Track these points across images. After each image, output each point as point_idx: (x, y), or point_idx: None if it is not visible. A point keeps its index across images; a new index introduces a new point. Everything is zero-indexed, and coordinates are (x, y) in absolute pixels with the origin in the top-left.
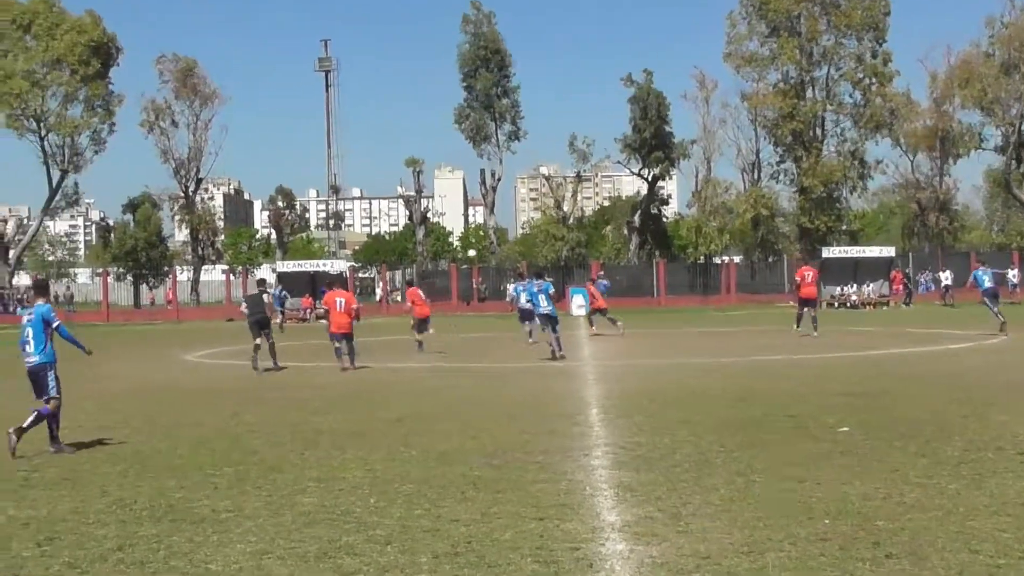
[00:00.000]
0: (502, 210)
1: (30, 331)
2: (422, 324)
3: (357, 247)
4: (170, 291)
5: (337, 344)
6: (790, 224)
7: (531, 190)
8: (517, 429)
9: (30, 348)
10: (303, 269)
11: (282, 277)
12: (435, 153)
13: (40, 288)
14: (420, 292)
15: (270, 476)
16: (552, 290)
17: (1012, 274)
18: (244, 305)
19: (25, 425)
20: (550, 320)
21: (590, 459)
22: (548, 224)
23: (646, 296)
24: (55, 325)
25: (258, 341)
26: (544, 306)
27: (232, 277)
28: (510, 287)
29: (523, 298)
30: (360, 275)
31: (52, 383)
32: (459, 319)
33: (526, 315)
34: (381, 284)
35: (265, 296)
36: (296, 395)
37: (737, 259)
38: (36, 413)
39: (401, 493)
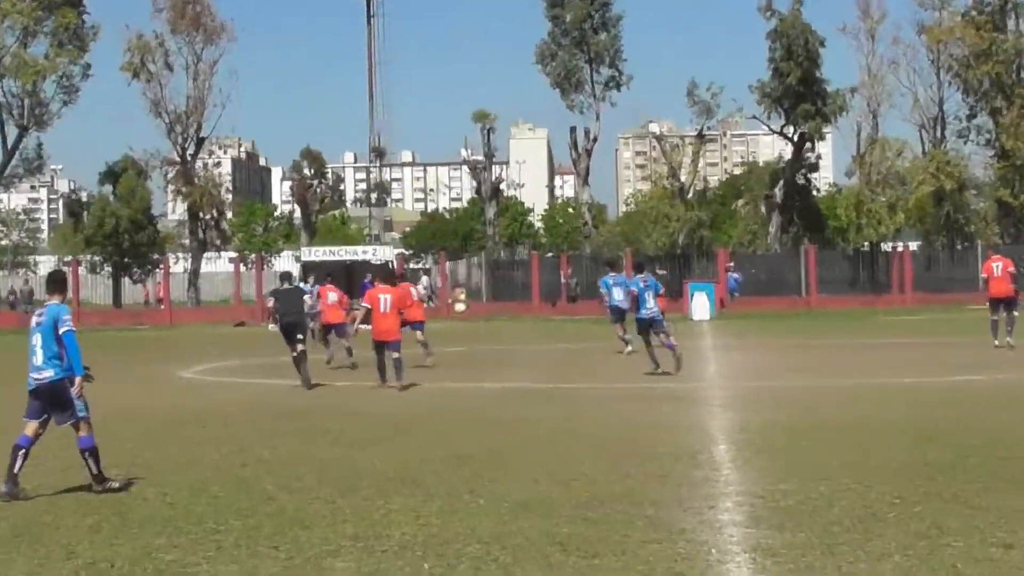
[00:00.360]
0: (599, 180)
1: (38, 338)
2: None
3: (408, 229)
4: (160, 286)
5: (396, 355)
6: (986, 199)
7: (637, 154)
8: (619, 472)
9: (37, 359)
10: (336, 258)
11: (309, 269)
12: (511, 107)
13: (56, 283)
14: (413, 289)
15: (291, 532)
16: (662, 288)
17: None
18: (273, 302)
19: (93, 471)
20: (652, 326)
21: (716, 512)
22: (660, 199)
23: (790, 294)
24: (62, 331)
25: (300, 348)
26: (650, 308)
27: (243, 268)
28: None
29: (617, 294)
30: (411, 265)
31: (76, 401)
32: (541, 324)
33: (619, 314)
34: (439, 277)
35: (307, 297)
36: (325, 424)
37: (914, 246)
38: (84, 450)
39: (465, 556)
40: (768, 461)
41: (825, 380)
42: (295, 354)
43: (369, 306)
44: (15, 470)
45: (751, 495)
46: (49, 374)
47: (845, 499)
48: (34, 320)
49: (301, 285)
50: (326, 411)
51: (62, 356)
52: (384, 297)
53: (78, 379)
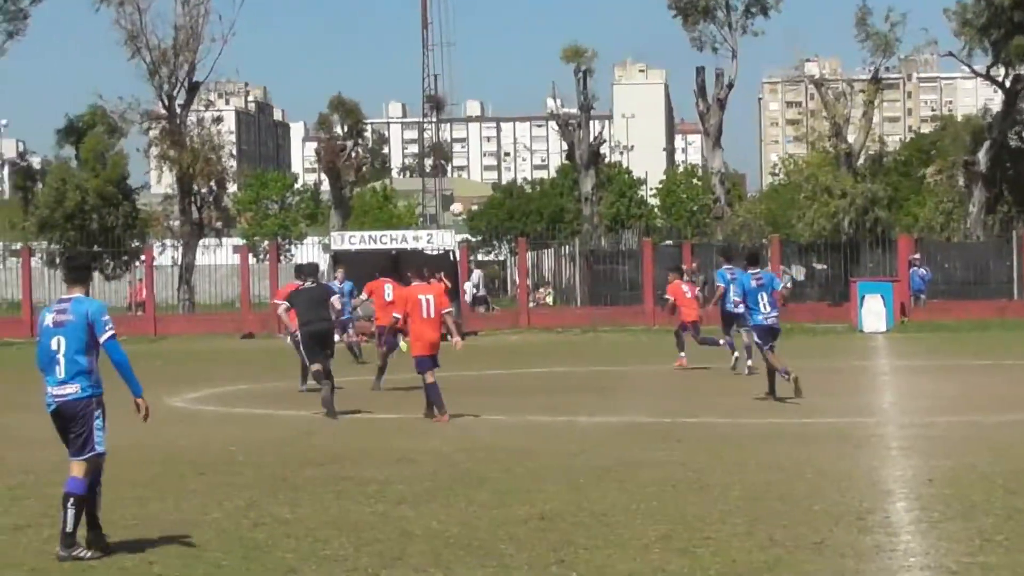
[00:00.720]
0: (736, 142)
1: (61, 342)
2: (384, 339)
3: (474, 207)
4: (141, 284)
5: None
6: None
7: (788, 105)
8: (760, 537)
9: (60, 371)
10: (378, 246)
11: (341, 261)
12: (616, 42)
13: (78, 270)
14: (389, 286)
15: None
16: (781, 286)
17: None
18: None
19: (68, 526)
20: (769, 335)
21: None
22: (819, 167)
23: (999, 296)
24: (104, 338)
25: (317, 367)
26: (764, 312)
27: (253, 259)
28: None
29: (732, 293)
30: (478, 256)
31: (99, 431)
32: (655, 336)
33: (730, 320)
34: (518, 272)
35: (335, 298)
36: (364, 471)
37: None
38: (70, 495)
39: None
40: (962, 524)
41: None
42: (315, 368)
43: (399, 315)
44: (96, 519)
45: (941, 570)
46: (73, 390)
47: None
48: (50, 318)
49: (332, 284)
50: (364, 453)
51: (91, 368)
52: (426, 298)
53: (142, 401)
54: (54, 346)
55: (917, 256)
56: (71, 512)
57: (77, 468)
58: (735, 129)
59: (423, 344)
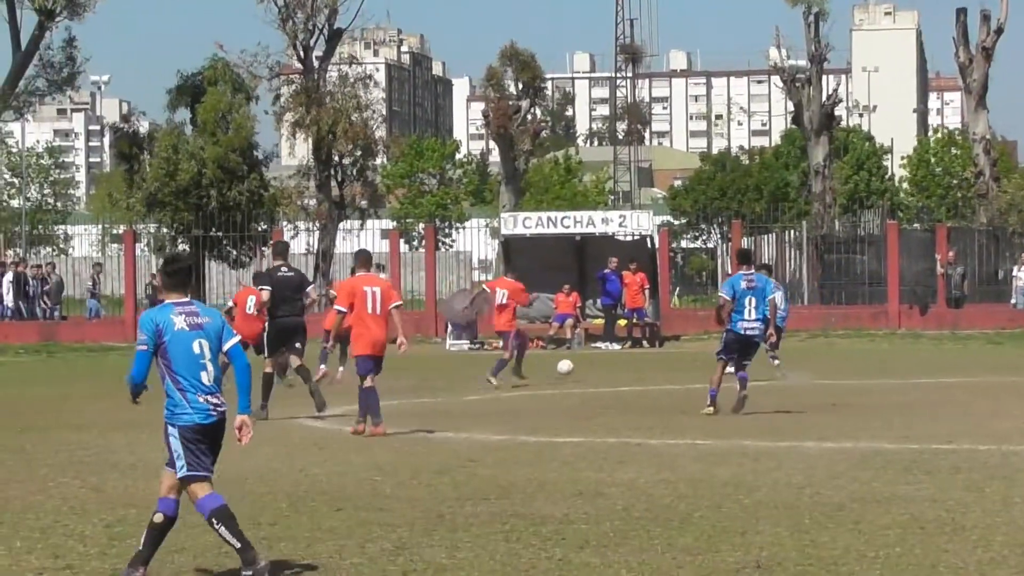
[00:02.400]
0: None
1: (204, 345)
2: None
3: (678, 182)
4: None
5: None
6: None
7: None
8: None
9: (208, 378)
10: (559, 231)
11: (513, 246)
12: None
13: (179, 274)
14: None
15: None
16: (775, 294)
17: None
18: (265, 292)
19: (235, 544)
20: (739, 346)
21: None
22: None
23: None
24: (233, 343)
25: (296, 368)
26: (747, 320)
27: (405, 247)
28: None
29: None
30: (682, 243)
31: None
32: (904, 342)
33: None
34: (731, 262)
35: (311, 289)
36: (535, 508)
37: None
38: (213, 509)
39: None
40: None
41: None
42: (297, 367)
43: (343, 308)
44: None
45: None
46: (221, 401)
47: None
48: (187, 320)
49: (314, 289)
50: (539, 486)
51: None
52: (372, 290)
53: (249, 419)
54: (196, 348)
55: None
56: (225, 530)
57: (210, 484)
58: (1005, 85)
59: (365, 343)
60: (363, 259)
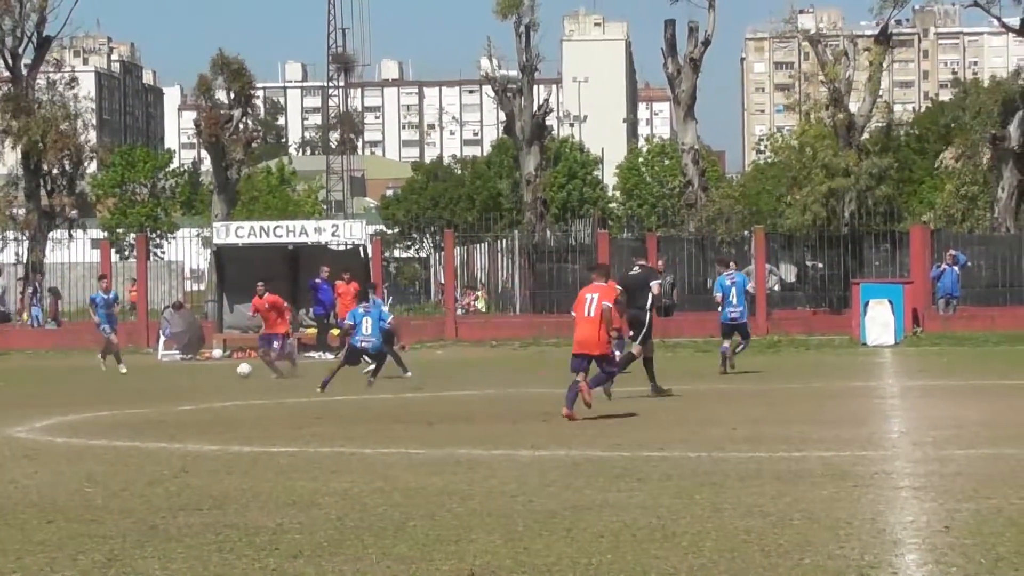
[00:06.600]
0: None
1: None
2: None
3: (390, 191)
4: None
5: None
6: None
7: (777, 67)
8: None
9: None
10: (272, 240)
11: (226, 256)
12: None
13: None
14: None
15: None
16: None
17: None
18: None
19: None
20: (730, 330)
21: None
22: (815, 141)
23: None
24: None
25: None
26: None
27: (116, 256)
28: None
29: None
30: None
31: None
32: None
33: (730, 331)
34: (444, 271)
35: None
36: (248, 518)
37: None
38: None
39: None
40: None
41: None
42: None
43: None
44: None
45: None
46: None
47: None
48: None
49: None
50: (253, 496)
51: None
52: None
53: None
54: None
55: (953, 252)
56: None
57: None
58: (712, 97)
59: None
60: None
